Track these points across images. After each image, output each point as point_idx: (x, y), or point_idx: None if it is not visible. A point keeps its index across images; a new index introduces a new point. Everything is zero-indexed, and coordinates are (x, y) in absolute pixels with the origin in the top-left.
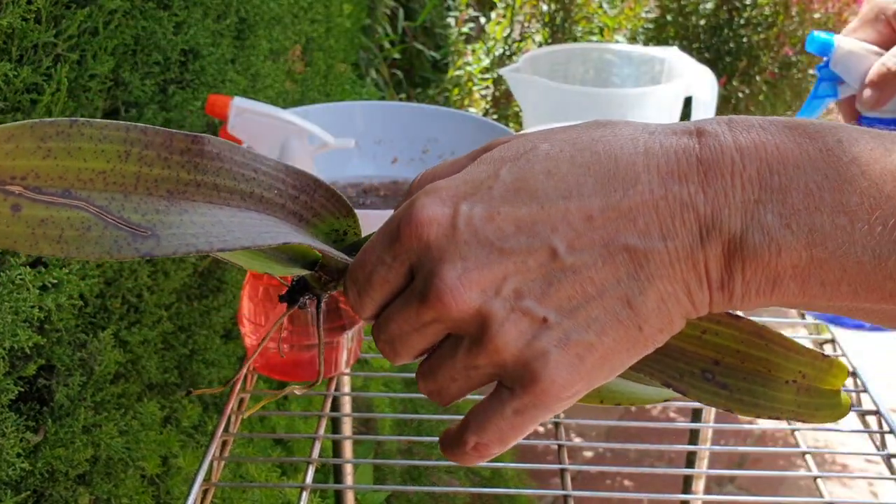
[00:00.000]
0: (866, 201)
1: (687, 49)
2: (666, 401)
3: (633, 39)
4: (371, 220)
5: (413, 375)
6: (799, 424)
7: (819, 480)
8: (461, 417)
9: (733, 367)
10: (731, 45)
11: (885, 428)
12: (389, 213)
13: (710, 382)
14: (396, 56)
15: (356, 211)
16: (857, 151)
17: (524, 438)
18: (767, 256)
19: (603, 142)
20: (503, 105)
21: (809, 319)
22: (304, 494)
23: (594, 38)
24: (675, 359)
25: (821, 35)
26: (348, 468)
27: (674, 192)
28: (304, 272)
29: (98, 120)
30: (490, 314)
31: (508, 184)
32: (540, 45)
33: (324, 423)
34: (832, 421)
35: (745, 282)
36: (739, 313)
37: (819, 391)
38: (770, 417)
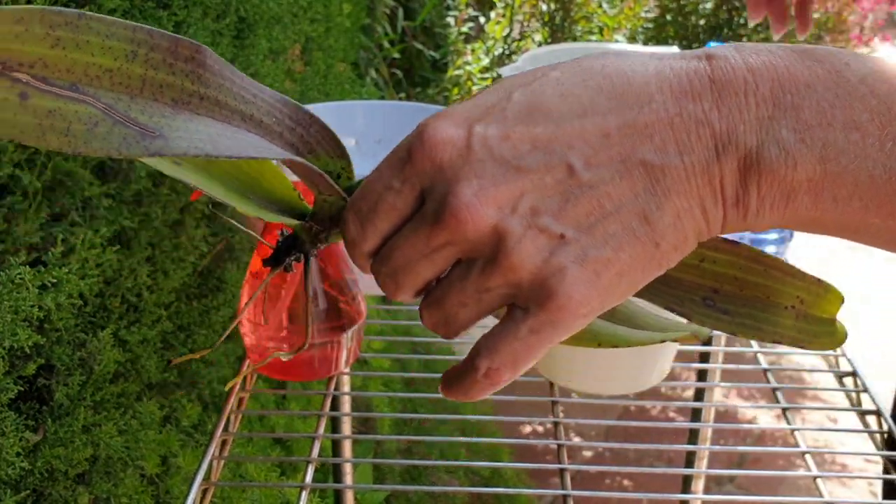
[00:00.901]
0: (877, 119)
1: (686, 49)
2: (661, 342)
3: (632, 39)
4: None
5: (412, 375)
6: (799, 424)
7: (819, 480)
8: (461, 418)
9: (732, 295)
10: None
11: (885, 428)
12: None
13: (712, 309)
14: (396, 55)
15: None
16: (865, 73)
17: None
18: (783, 170)
19: (613, 66)
20: None
21: None
22: (304, 494)
23: (594, 37)
24: (675, 287)
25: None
26: (348, 468)
27: (688, 110)
28: (294, 222)
29: (106, 16)
30: (507, 231)
31: (522, 105)
32: (539, 44)
33: (323, 422)
34: (830, 348)
35: (760, 197)
36: (737, 239)
37: (817, 319)
38: (773, 341)
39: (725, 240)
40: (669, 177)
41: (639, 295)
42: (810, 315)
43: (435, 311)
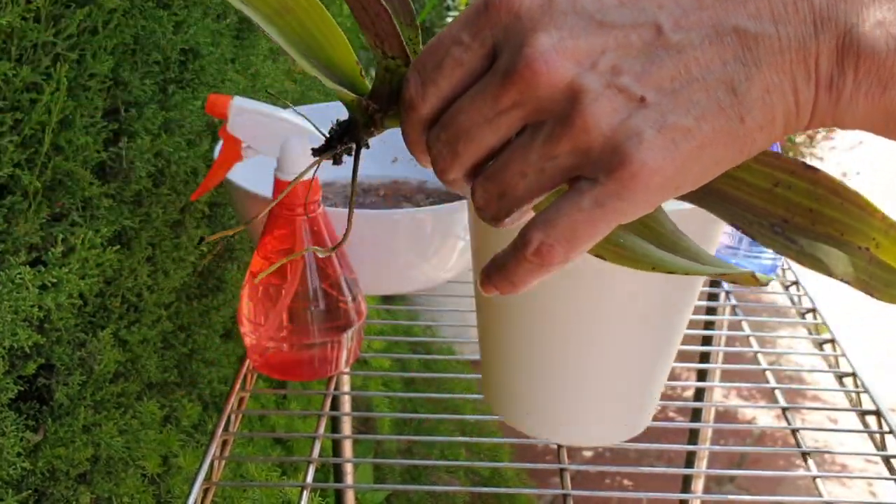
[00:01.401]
0: None
1: None
2: (722, 275)
3: None
4: (371, 220)
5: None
6: (799, 424)
7: (818, 480)
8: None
9: (803, 228)
10: None
11: (885, 428)
12: (390, 213)
13: (780, 236)
14: None
15: (356, 210)
16: None
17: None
18: (885, 53)
19: None
20: None
21: (809, 319)
22: (305, 494)
23: None
24: (744, 210)
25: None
26: (348, 467)
27: None
28: (350, 95)
29: None
30: (583, 88)
31: None
32: None
33: (323, 422)
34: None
35: (856, 81)
36: (817, 166)
37: (889, 267)
38: (841, 280)
39: (806, 165)
40: (762, 46)
41: (707, 205)
42: (883, 262)
43: (490, 183)
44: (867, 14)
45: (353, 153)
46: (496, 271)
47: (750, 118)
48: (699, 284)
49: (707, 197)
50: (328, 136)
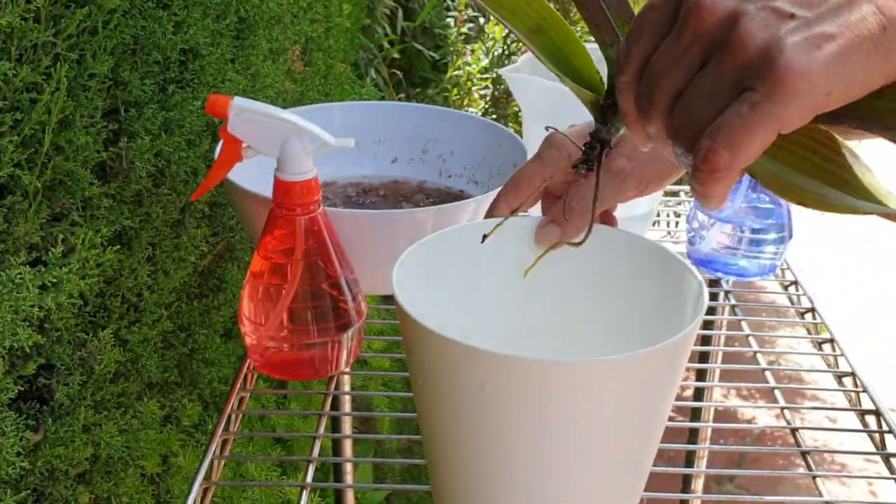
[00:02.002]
0: None
1: None
2: (884, 214)
3: None
4: (371, 220)
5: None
6: (798, 423)
7: (818, 480)
8: None
9: None
10: None
11: (885, 428)
12: (390, 213)
13: None
14: (396, 56)
15: (355, 211)
16: None
17: None
18: None
19: None
20: (502, 105)
21: (808, 319)
22: (304, 493)
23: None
24: None
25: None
26: (348, 467)
27: None
28: (588, 95)
29: None
30: (742, 13)
31: None
32: None
33: (324, 421)
34: None
35: None
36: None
37: None
38: None
39: None
40: None
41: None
42: None
43: (676, 118)
44: None
45: (598, 153)
46: (695, 189)
47: (891, 25)
48: (671, 401)
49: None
50: (587, 148)
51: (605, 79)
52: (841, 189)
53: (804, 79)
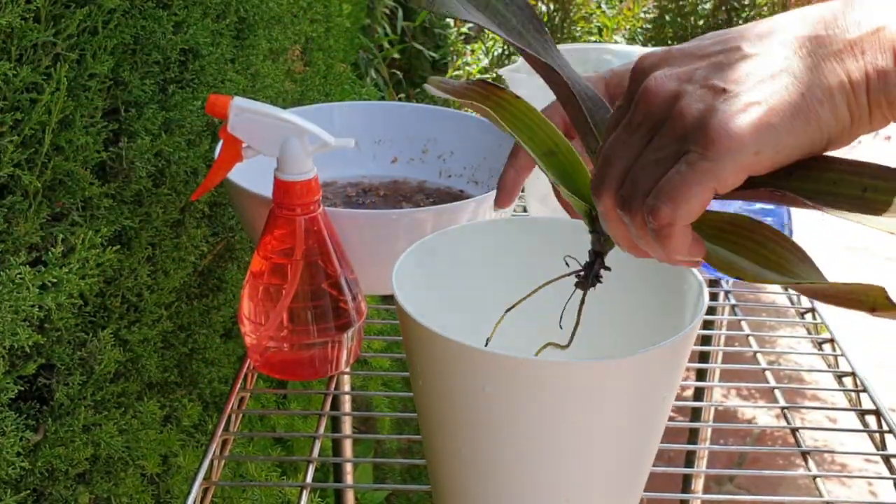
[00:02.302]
0: None
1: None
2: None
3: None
4: (371, 220)
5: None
6: (798, 423)
7: (818, 480)
8: None
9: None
10: None
11: (885, 428)
12: (390, 213)
13: (866, 196)
14: (396, 56)
15: (355, 211)
16: None
17: None
18: None
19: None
20: None
21: (808, 319)
22: (304, 493)
23: (593, 38)
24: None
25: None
26: (348, 467)
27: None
28: (580, 203)
29: None
30: (682, 92)
31: (711, 38)
32: None
33: (324, 422)
34: None
35: None
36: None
37: None
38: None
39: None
40: (819, 47)
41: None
42: None
43: (626, 187)
44: None
45: (592, 263)
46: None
47: (809, 93)
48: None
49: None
50: (588, 265)
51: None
52: (774, 269)
53: (735, 139)
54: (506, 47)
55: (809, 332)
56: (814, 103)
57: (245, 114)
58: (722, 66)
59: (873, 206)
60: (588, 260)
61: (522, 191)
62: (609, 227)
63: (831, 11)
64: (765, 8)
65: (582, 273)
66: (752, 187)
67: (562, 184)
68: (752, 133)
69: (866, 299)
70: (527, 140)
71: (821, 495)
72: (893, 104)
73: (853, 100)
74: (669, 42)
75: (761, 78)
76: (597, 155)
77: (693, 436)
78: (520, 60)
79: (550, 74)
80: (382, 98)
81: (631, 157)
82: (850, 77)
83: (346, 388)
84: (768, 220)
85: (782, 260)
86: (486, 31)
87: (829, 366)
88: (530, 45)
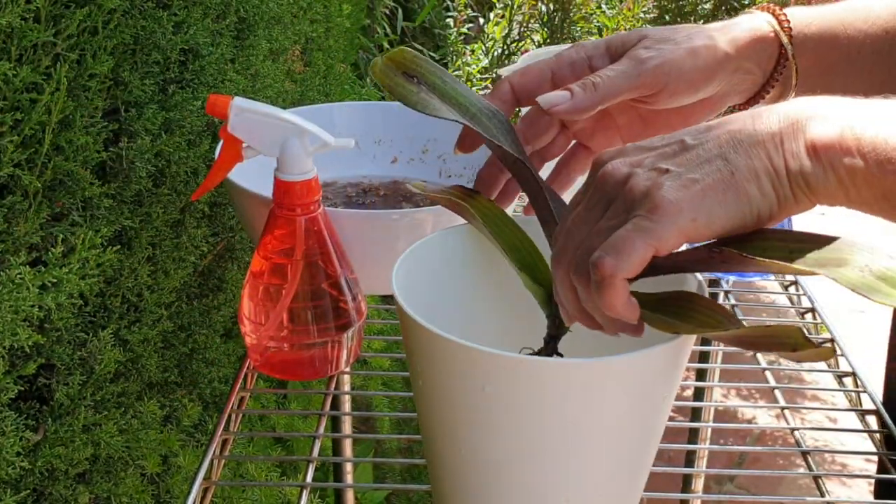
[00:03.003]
0: None
1: None
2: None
3: None
4: (371, 220)
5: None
6: (798, 423)
7: (818, 480)
8: None
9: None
10: None
11: (885, 428)
12: (390, 213)
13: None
14: None
15: (355, 211)
16: None
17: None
18: (835, 141)
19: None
20: None
21: (808, 319)
22: (304, 493)
23: (593, 38)
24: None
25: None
26: (348, 467)
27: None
28: (540, 293)
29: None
30: (632, 174)
31: (661, 137)
32: (539, 45)
33: (324, 421)
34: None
35: (812, 157)
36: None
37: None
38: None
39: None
40: (746, 137)
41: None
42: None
43: (579, 253)
44: (820, 114)
45: (547, 343)
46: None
47: (738, 173)
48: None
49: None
50: (551, 340)
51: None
52: (705, 327)
53: (674, 206)
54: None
55: (810, 333)
56: (742, 182)
57: (245, 114)
58: (666, 154)
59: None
60: (545, 339)
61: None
62: (562, 293)
63: (765, 108)
64: None
65: (539, 351)
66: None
67: (524, 273)
68: (689, 202)
69: (788, 340)
70: (495, 236)
71: (821, 495)
72: (812, 189)
73: (776, 181)
74: None
75: (699, 162)
76: (556, 234)
77: (693, 436)
78: (519, 60)
79: (521, 170)
80: (382, 98)
81: (587, 230)
82: (772, 163)
83: (346, 388)
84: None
85: (712, 320)
86: (486, 31)
87: (829, 366)
88: (504, 148)
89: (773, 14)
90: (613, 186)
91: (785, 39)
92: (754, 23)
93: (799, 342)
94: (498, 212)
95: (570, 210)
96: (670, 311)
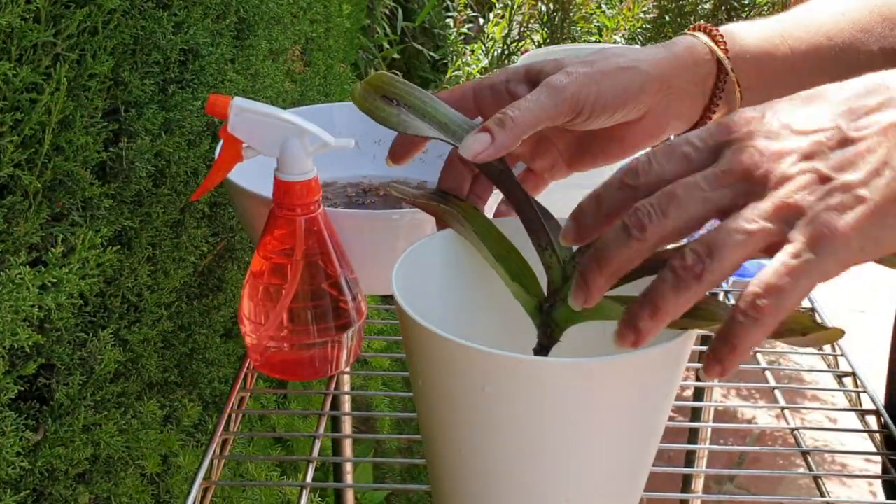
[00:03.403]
0: None
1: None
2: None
3: (631, 40)
4: (371, 220)
5: (409, 375)
6: (798, 423)
7: (819, 480)
8: None
9: None
10: None
11: (885, 428)
12: (390, 213)
13: None
14: (395, 56)
15: (355, 211)
16: None
17: None
18: None
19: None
20: None
21: None
22: (304, 493)
23: (593, 38)
24: None
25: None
26: (348, 467)
27: None
28: (529, 303)
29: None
30: (784, 176)
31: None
32: (538, 45)
33: (324, 421)
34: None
35: None
36: None
37: None
38: None
39: None
40: None
41: None
42: None
43: (702, 245)
44: None
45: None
46: (719, 347)
47: None
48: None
49: None
50: (545, 345)
51: (544, 287)
52: (705, 319)
53: (843, 237)
54: (506, 47)
55: None
56: None
57: (245, 114)
58: (823, 147)
59: None
60: (535, 350)
61: None
62: (615, 263)
63: None
64: (765, 8)
65: None
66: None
67: (513, 281)
68: (858, 228)
69: (796, 326)
70: (483, 244)
71: (821, 495)
72: None
73: None
74: None
75: (865, 169)
76: (640, 158)
77: (693, 436)
78: (519, 60)
79: (505, 181)
80: None
81: (702, 211)
82: None
83: (346, 388)
84: None
85: (716, 314)
86: (486, 31)
87: (829, 366)
88: (492, 165)
89: (707, 32)
90: (761, 183)
91: (721, 55)
92: (688, 42)
93: (808, 326)
94: (483, 220)
95: (671, 152)
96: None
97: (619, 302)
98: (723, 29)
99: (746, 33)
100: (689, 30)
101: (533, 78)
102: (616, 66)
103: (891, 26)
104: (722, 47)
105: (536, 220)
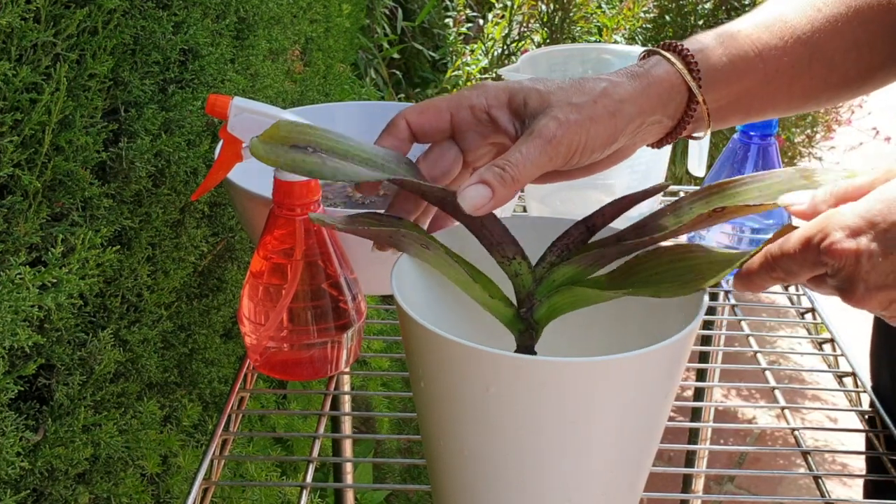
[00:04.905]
0: None
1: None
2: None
3: (631, 40)
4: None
5: (410, 375)
6: (799, 423)
7: (819, 480)
8: None
9: None
10: None
11: (885, 428)
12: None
13: None
14: (395, 56)
15: (356, 211)
16: None
17: None
18: None
19: None
20: None
21: (808, 319)
22: (304, 493)
23: (593, 38)
24: None
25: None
26: (348, 467)
27: None
28: (506, 313)
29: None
30: (875, 308)
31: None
32: (538, 45)
33: (323, 421)
34: None
35: None
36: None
37: None
38: None
39: None
40: None
41: None
42: None
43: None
44: None
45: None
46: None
47: None
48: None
49: None
50: (526, 346)
51: (513, 298)
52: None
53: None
54: (505, 47)
55: (809, 333)
56: None
57: (245, 114)
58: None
59: None
60: (525, 338)
61: (522, 191)
62: (798, 274)
63: None
64: None
65: None
66: None
67: (492, 298)
68: None
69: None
70: (450, 269)
71: (821, 495)
72: None
73: None
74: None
75: None
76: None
77: (693, 436)
78: (519, 60)
79: (452, 203)
80: (382, 98)
81: (805, 274)
82: None
83: (346, 388)
84: (770, 222)
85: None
86: (486, 31)
87: (829, 366)
88: (428, 187)
89: (681, 55)
90: (840, 275)
91: (693, 85)
92: (664, 70)
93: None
94: (441, 244)
95: (791, 257)
96: (661, 275)
97: (595, 288)
98: (695, 49)
99: (719, 53)
100: (662, 47)
101: (516, 108)
102: (604, 111)
103: (861, 19)
104: (695, 75)
105: (504, 234)
